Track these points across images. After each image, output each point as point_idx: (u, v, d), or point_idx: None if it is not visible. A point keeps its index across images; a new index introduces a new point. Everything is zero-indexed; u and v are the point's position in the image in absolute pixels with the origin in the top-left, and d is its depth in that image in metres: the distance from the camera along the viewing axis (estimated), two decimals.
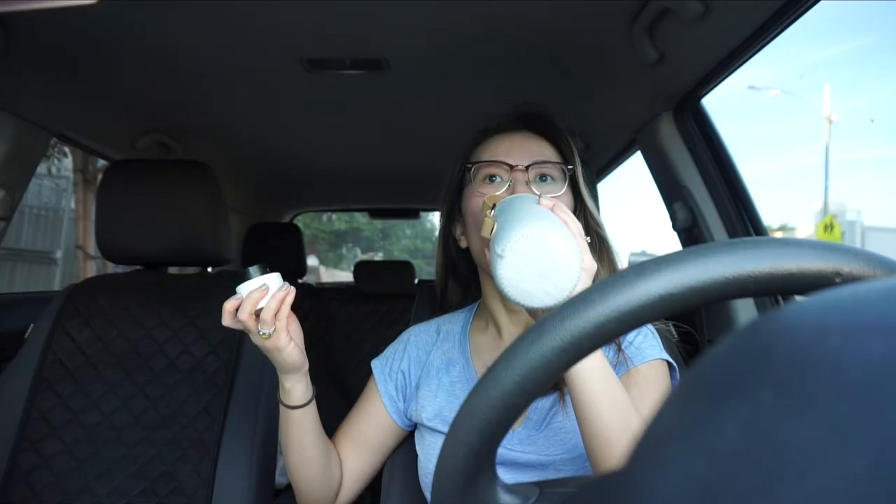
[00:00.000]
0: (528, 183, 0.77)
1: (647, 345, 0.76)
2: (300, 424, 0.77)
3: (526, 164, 0.78)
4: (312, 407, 0.78)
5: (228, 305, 0.70)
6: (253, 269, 0.71)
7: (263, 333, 0.70)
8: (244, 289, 0.70)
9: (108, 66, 1.25)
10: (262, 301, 0.69)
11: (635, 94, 1.28)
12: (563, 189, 0.78)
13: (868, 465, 0.13)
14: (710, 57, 1.05)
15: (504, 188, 0.78)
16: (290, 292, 0.71)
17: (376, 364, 0.89)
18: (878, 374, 0.15)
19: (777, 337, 0.18)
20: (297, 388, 0.75)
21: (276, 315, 0.69)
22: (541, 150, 0.81)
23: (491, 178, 0.80)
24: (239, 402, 1.11)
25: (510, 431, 0.75)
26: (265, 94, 1.45)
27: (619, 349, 0.74)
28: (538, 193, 0.75)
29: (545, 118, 0.84)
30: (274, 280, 0.71)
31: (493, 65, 1.26)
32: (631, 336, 0.76)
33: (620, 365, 0.74)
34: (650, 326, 0.78)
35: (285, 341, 0.71)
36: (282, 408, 0.77)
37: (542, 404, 0.75)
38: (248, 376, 1.13)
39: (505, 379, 0.30)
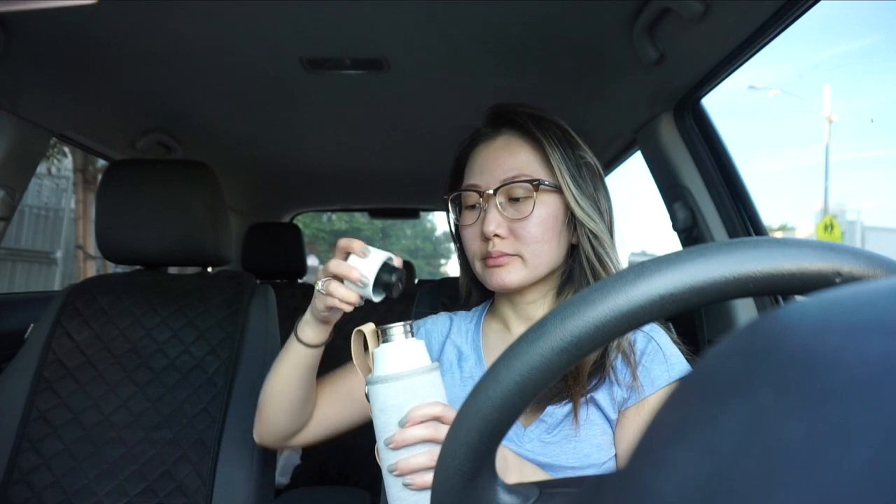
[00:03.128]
0: (498, 206, 0.76)
1: (657, 368, 0.74)
2: (295, 358, 0.78)
3: (494, 187, 0.77)
4: (314, 353, 0.78)
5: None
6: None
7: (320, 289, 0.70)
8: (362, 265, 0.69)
9: (108, 66, 1.25)
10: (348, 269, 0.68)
11: (635, 94, 1.28)
12: (531, 210, 0.76)
13: (868, 465, 0.13)
14: (710, 57, 1.05)
15: (476, 219, 0.79)
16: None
17: None
18: (878, 374, 0.15)
19: (777, 337, 0.18)
20: (324, 332, 0.77)
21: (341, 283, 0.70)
22: (515, 161, 0.78)
23: (469, 203, 0.81)
24: (239, 402, 1.11)
25: (522, 430, 0.75)
26: (265, 94, 1.45)
27: (634, 375, 0.74)
28: (509, 217, 0.76)
29: (520, 117, 0.80)
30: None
31: (493, 65, 1.26)
32: (644, 357, 0.75)
33: (634, 393, 0.73)
34: (657, 341, 0.77)
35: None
36: (292, 342, 0.78)
37: (558, 411, 0.74)
38: (248, 376, 1.13)
39: (505, 379, 0.30)
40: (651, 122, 1.30)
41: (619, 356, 0.75)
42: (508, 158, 0.78)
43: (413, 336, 0.65)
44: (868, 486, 0.13)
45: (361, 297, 0.71)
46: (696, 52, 1.04)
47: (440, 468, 0.33)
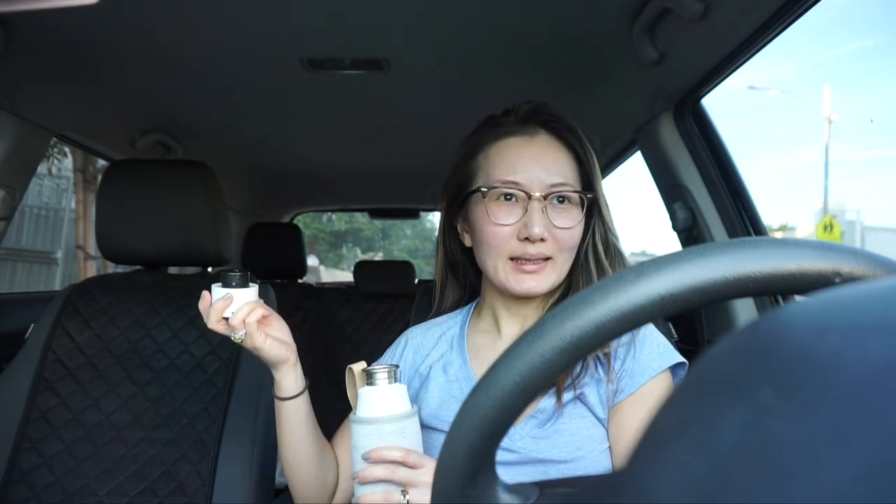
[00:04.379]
0: (544, 210, 0.75)
1: (646, 357, 0.75)
2: (290, 417, 0.77)
3: (544, 192, 0.75)
4: (303, 400, 0.78)
5: (201, 305, 0.74)
6: (231, 276, 0.74)
7: (236, 337, 0.73)
8: (213, 295, 0.74)
9: (108, 66, 1.25)
10: (228, 311, 0.73)
11: (635, 94, 1.28)
12: (580, 218, 0.77)
13: (867, 465, 0.13)
14: (710, 57, 1.05)
15: (517, 218, 0.76)
16: (257, 307, 0.74)
17: None
18: (877, 375, 0.15)
19: (777, 337, 0.18)
20: (285, 379, 0.76)
21: (243, 321, 0.72)
22: (559, 166, 0.78)
23: (506, 196, 0.77)
24: (239, 402, 1.11)
25: (513, 427, 0.75)
26: (265, 94, 1.45)
27: (610, 369, 0.74)
28: (551, 221, 0.75)
29: (563, 122, 0.80)
30: (243, 294, 0.74)
31: (492, 64, 1.26)
32: (632, 348, 0.76)
33: (627, 384, 0.74)
34: (643, 331, 0.77)
35: (260, 341, 0.73)
36: (276, 401, 0.78)
37: (547, 406, 0.75)
38: (248, 376, 1.13)
39: (505, 378, 0.30)
40: (651, 122, 1.30)
41: (601, 351, 0.75)
42: (554, 162, 0.78)
43: (396, 381, 0.70)
44: (867, 487, 0.13)
45: (242, 303, 0.74)
46: (696, 52, 1.04)
47: (440, 468, 0.33)
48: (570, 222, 0.76)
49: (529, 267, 0.76)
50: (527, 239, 0.75)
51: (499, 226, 0.77)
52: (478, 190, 0.79)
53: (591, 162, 0.80)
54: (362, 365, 0.74)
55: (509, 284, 0.77)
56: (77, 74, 1.26)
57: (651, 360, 0.74)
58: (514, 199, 0.77)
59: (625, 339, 0.76)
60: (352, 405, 0.73)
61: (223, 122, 1.68)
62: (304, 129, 1.76)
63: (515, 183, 0.77)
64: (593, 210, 0.80)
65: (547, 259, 0.76)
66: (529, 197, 0.75)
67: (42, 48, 1.13)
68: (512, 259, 0.77)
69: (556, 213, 0.76)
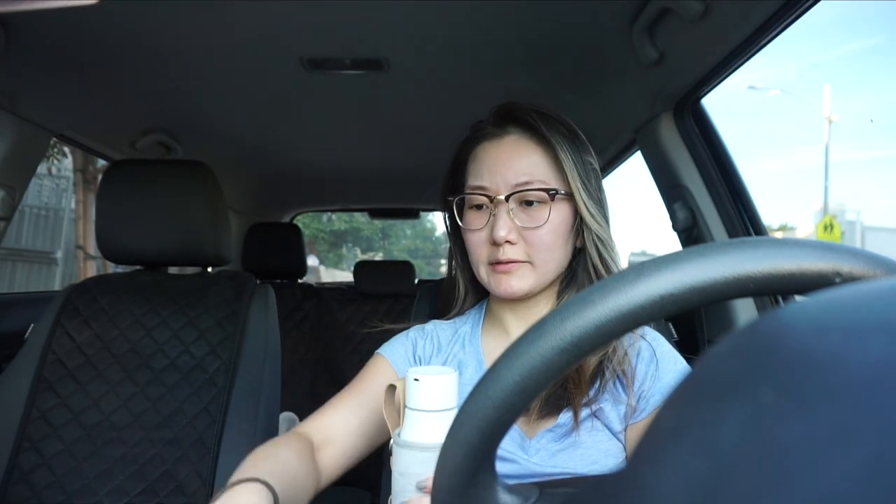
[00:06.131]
0: (509, 212, 0.74)
1: (667, 376, 0.74)
2: None
3: (505, 192, 0.74)
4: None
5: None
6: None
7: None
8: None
9: (108, 66, 1.25)
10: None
11: (635, 94, 1.28)
12: (546, 217, 0.74)
13: (868, 465, 0.13)
14: (710, 57, 1.05)
15: (485, 223, 0.76)
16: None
17: (386, 351, 0.83)
18: (877, 374, 0.15)
19: (777, 337, 0.18)
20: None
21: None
22: (527, 165, 0.75)
23: (476, 202, 0.77)
24: (239, 402, 1.11)
25: (528, 441, 0.73)
26: (265, 94, 1.45)
27: (629, 387, 0.73)
28: (520, 223, 0.74)
29: (534, 117, 0.76)
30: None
31: (492, 65, 1.26)
32: (651, 366, 0.75)
33: (646, 404, 0.73)
34: (662, 349, 0.76)
35: None
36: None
37: (563, 420, 0.73)
38: (248, 376, 1.13)
39: (505, 378, 0.30)
40: (651, 122, 1.30)
41: (619, 369, 0.74)
42: (519, 161, 0.75)
43: None
44: (868, 486, 0.13)
45: None
46: (696, 52, 1.04)
47: (440, 468, 0.33)
48: (536, 221, 0.74)
49: (502, 267, 0.75)
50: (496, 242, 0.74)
51: (473, 232, 0.77)
52: (453, 201, 0.80)
53: (567, 155, 0.75)
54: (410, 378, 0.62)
55: (492, 288, 0.77)
56: (77, 74, 1.26)
57: (670, 381, 0.74)
58: (483, 204, 0.77)
59: (646, 355, 0.75)
60: (388, 423, 0.66)
61: (223, 122, 1.68)
62: (304, 129, 1.76)
63: (481, 188, 0.76)
64: (573, 207, 0.77)
65: (524, 262, 0.75)
66: (492, 200, 0.75)
67: (42, 48, 1.13)
68: (491, 264, 0.76)
69: (523, 213, 0.75)
